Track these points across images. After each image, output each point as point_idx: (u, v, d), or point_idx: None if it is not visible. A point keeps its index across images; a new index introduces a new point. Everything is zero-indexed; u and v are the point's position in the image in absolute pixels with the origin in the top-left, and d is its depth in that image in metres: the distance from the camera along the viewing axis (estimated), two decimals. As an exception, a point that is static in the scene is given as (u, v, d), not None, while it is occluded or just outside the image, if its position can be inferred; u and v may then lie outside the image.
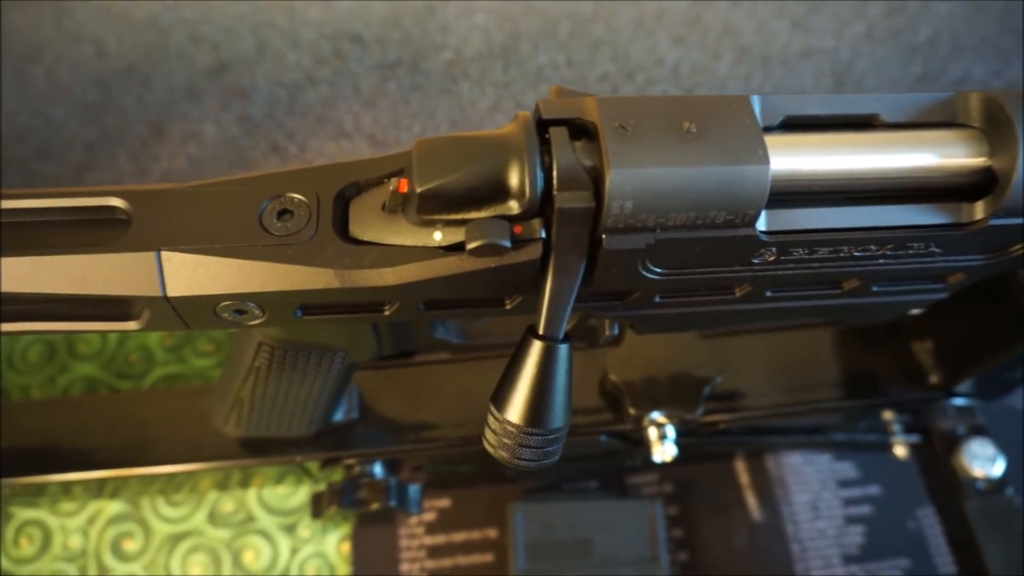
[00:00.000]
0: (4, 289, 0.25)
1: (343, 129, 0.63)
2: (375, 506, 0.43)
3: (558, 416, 0.26)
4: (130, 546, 0.49)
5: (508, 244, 0.24)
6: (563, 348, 0.26)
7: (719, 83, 0.66)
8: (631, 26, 0.67)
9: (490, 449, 0.27)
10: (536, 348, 0.26)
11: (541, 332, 0.26)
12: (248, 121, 0.63)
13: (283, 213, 0.26)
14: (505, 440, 0.27)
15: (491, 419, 0.27)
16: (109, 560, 0.48)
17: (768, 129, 0.26)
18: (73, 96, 0.63)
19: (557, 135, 0.24)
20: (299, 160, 0.62)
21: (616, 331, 0.34)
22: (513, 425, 0.26)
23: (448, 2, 0.68)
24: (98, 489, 0.48)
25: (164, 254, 0.26)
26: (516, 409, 0.26)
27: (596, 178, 0.24)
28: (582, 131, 0.25)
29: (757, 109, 0.25)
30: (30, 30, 0.65)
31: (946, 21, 0.68)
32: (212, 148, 0.62)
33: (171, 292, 0.26)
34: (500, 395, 0.27)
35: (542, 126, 0.25)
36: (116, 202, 0.26)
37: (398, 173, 0.27)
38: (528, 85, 0.65)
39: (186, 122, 0.63)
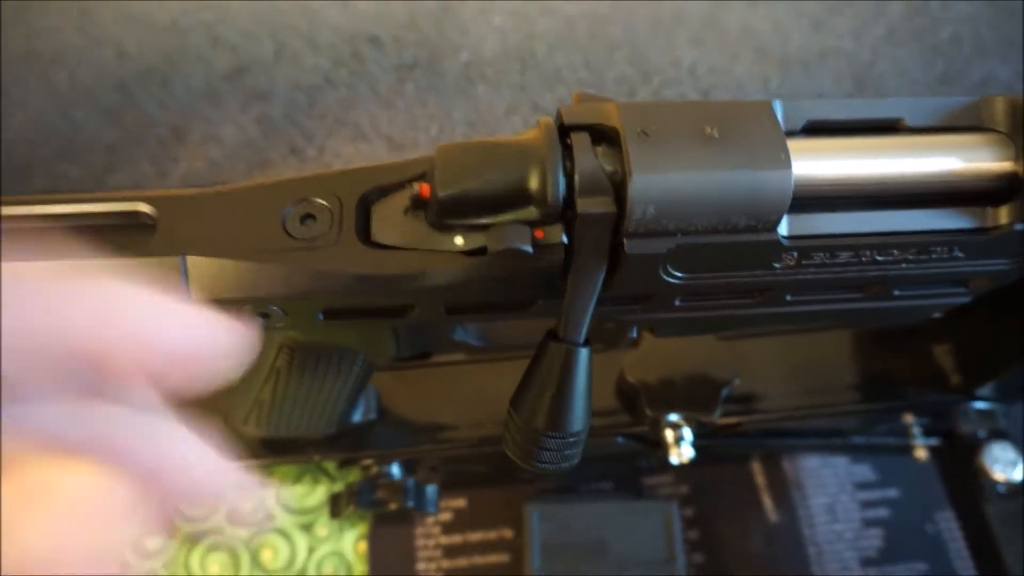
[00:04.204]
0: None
1: (361, 131, 0.64)
2: (393, 506, 0.43)
3: (578, 419, 0.26)
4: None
5: (530, 249, 0.24)
6: (583, 352, 0.26)
7: (737, 84, 0.65)
8: (648, 27, 0.67)
9: (509, 452, 0.28)
10: (556, 352, 0.26)
11: (562, 336, 0.26)
12: (267, 123, 0.64)
13: (306, 218, 0.27)
14: (524, 443, 0.27)
15: (511, 422, 0.27)
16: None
17: (790, 134, 0.25)
18: (95, 99, 0.64)
19: (579, 141, 0.24)
20: (317, 162, 0.62)
21: (635, 334, 0.34)
22: (532, 428, 0.26)
23: (465, 3, 0.68)
24: (120, 488, 0.48)
25: (189, 259, 0.26)
26: (536, 412, 0.26)
27: (618, 183, 0.24)
28: (604, 136, 0.25)
29: (779, 114, 0.25)
30: (54, 34, 0.66)
31: (968, 22, 0.67)
32: (231, 150, 0.63)
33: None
34: (520, 398, 0.27)
35: (564, 132, 0.25)
36: (142, 207, 0.27)
37: (419, 177, 0.27)
38: (545, 87, 0.65)
39: (206, 124, 0.63)
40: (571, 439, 0.27)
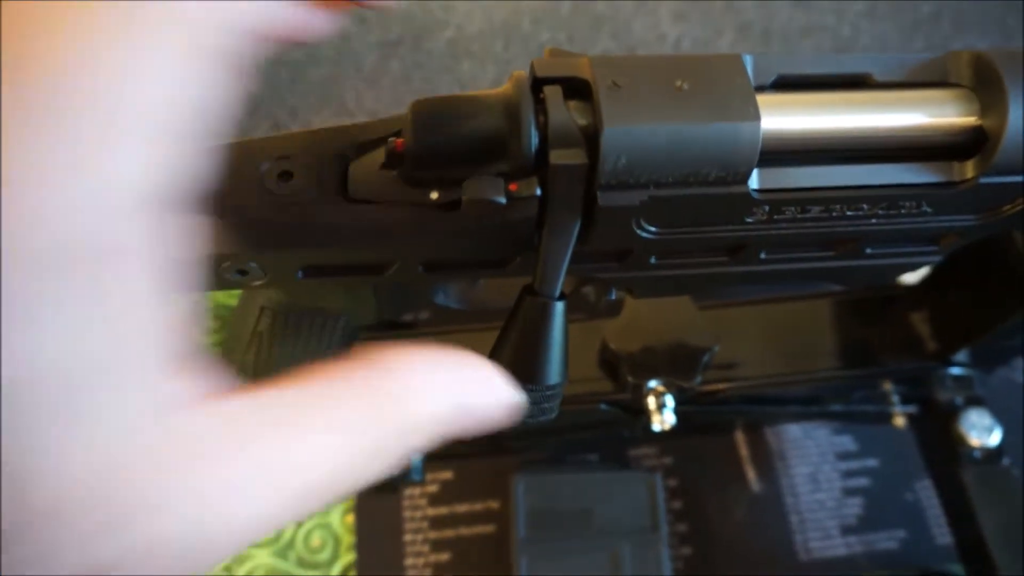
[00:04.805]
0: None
1: (345, 107, 0.64)
2: (377, 473, 0.43)
3: (554, 372, 0.27)
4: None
5: (503, 200, 0.24)
6: (559, 305, 0.26)
7: (720, 60, 0.66)
8: (633, 2, 0.67)
9: (487, 406, 0.28)
10: (532, 305, 0.26)
11: (537, 289, 0.26)
12: (250, 100, 0.64)
13: (283, 175, 0.27)
14: (502, 396, 0.27)
15: (488, 376, 0.27)
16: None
17: (761, 88, 0.26)
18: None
19: (551, 93, 0.25)
20: (302, 138, 0.63)
21: (613, 295, 0.34)
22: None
23: (450, -20, 0.68)
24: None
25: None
26: (513, 366, 0.27)
27: (590, 135, 0.24)
28: (576, 90, 0.25)
29: (750, 68, 0.26)
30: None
31: (948, -4, 0.68)
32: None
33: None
34: (496, 352, 0.27)
35: (537, 85, 0.25)
36: (120, 164, 0.27)
37: (396, 135, 0.27)
38: (529, 62, 0.65)
39: (190, 101, 0.63)
40: (548, 392, 0.27)
